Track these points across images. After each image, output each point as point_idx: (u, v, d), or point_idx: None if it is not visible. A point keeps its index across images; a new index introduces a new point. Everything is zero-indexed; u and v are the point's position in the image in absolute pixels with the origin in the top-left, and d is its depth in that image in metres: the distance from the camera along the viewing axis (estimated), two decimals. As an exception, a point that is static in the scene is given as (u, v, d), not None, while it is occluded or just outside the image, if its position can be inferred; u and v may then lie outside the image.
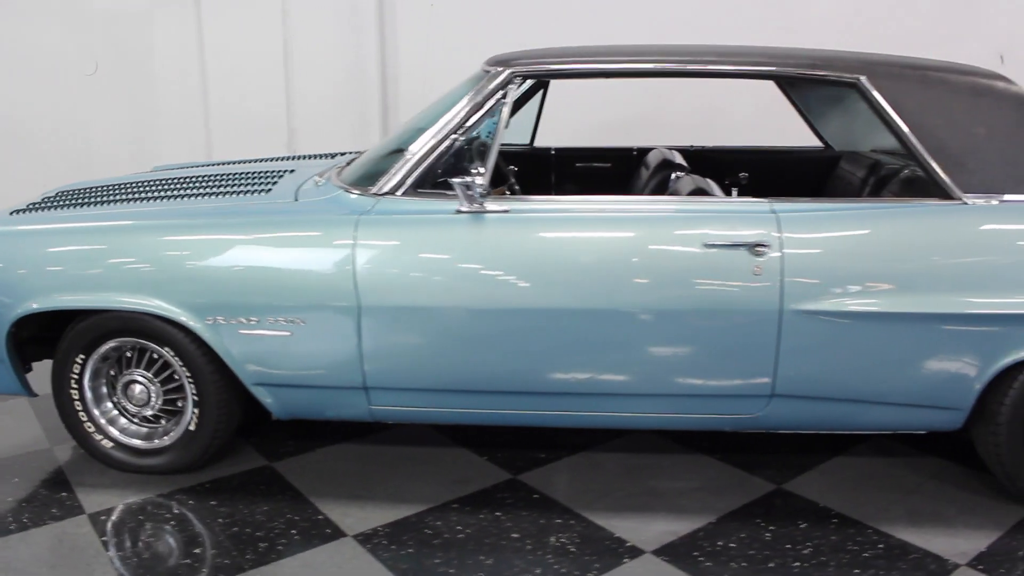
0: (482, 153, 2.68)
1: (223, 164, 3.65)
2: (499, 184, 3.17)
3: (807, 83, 2.94)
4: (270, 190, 2.90)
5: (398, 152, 2.77)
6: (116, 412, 2.88)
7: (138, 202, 2.89)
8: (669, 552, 2.48)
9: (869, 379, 2.57)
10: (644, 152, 3.70)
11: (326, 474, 2.92)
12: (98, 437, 2.85)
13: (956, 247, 2.50)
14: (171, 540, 2.55)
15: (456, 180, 2.53)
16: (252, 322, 2.63)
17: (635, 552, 2.48)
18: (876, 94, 2.56)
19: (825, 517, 2.66)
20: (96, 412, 2.85)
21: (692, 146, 3.81)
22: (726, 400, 2.63)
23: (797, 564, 2.43)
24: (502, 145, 3.81)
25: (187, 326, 2.65)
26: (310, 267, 2.60)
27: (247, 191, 2.90)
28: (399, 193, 2.65)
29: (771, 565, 2.42)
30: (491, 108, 2.64)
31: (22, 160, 5.08)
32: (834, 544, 2.52)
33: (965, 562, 2.43)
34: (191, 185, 3.04)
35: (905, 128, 2.55)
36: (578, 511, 2.69)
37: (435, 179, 2.68)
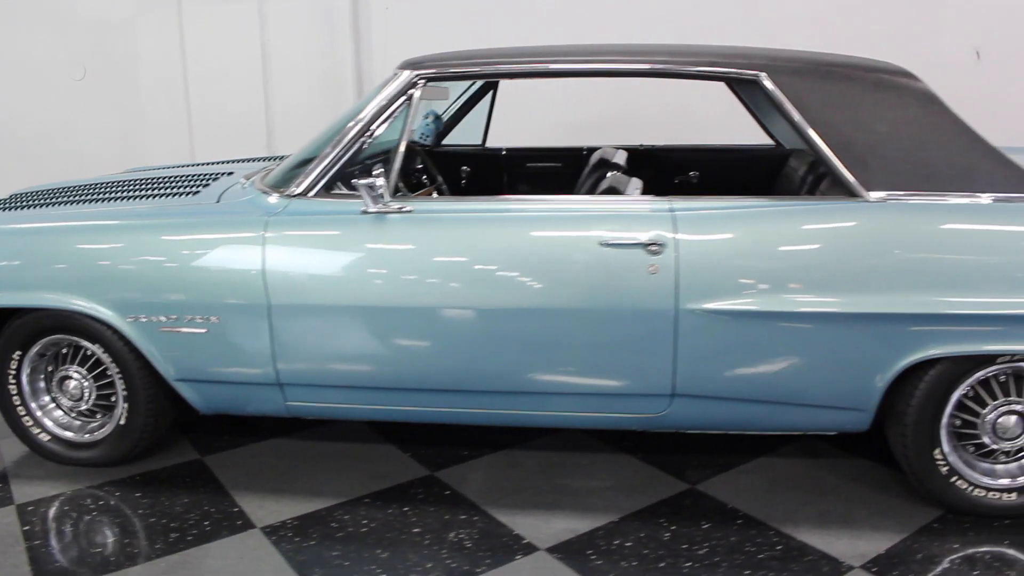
0: (390, 154, 2.73)
1: (184, 166, 3.76)
2: (428, 184, 3.22)
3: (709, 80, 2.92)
4: (199, 192, 2.99)
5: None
6: (53, 406, 3.00)
7: (78, 204, 3.01)
8: (563, 550, 2.50)
9: (769, 379, 2.55)
10: (594, 152, 3.71)
11: (252, 468, 3.01)
12: (36, 431, 2.98)
13: (857, 245, 2.47)
14: (86, 530, 2.65)
15: (359, 181, 2.59)
16: (171, 320, 2.73)
17: (529, 549, 2.51)
18: (776, 91, 2.54)
19: (731, 518, 2.65)
20: (33, 406, 2.98)
21: (642, 145, 3.81)
22: (629, 399, 2.64)
23: (689, 564, 2.43)
24: (455, 146, 3.92)
25: (111, 324, 2.76)
26: (223, 267, 2.68)
27: (178, 193, 3.00)
28: (311, 195, 2.72)
29: (662, 565, 2.43)
30: (397, 110, 2.69)
31: (17, 162, 5.30)
32: (732, 545, 2.52)
33: (860, 564, 2.41)
34: (131, 187, 3.15)
35: (806, 125, 2.53)
36: (484, 508, 2.73)
37: (347, 180, 2.74)
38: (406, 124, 2.68)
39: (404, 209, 2.63)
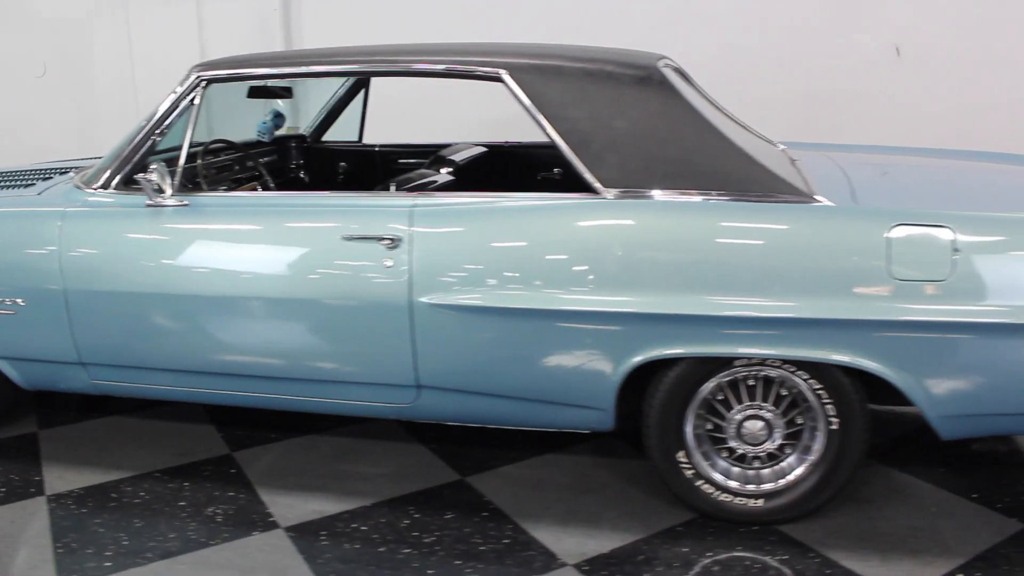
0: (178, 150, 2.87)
1: (68, 161, 3.97)
2: (252, 180, 3.37)
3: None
4: (33, 185, 3.22)
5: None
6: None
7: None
8: (300, 530, 2.61)
9: (504, 375, 2.58)
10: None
11: (75, 442, 3.23)
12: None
13: (587, 242, 2.46)
14: None
15: (141, 176, 2.76)
16: (-15, 303, 2.97)
17: (270, 527, 2.63)
18: (517, 89, 2.57)
19: (478, 510, 2.69)
20: None
21: (507, 142, 3.86)
22: (380, 389, 2.71)
23: (408, 551, 2.49)
24: (333, 143, 4.06)
25: (-59, 304, 3.01)
26: (26, 253, 2.89)
27: (16, 185, 3.23)
28: (110, 188, 2.90)
29: (382, 549, 2.50)
30: (183, 109, 2.84)
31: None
32: (462, 536, 2.56)
33: (573, 562, 2.42)
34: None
35: (545, 123, 2.54)
36: (256, 487, 2.86)
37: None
38: (189, 121, 2.82)
39: (182, 203, 2.78)
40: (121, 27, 5.36)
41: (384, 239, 2.55)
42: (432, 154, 3.90)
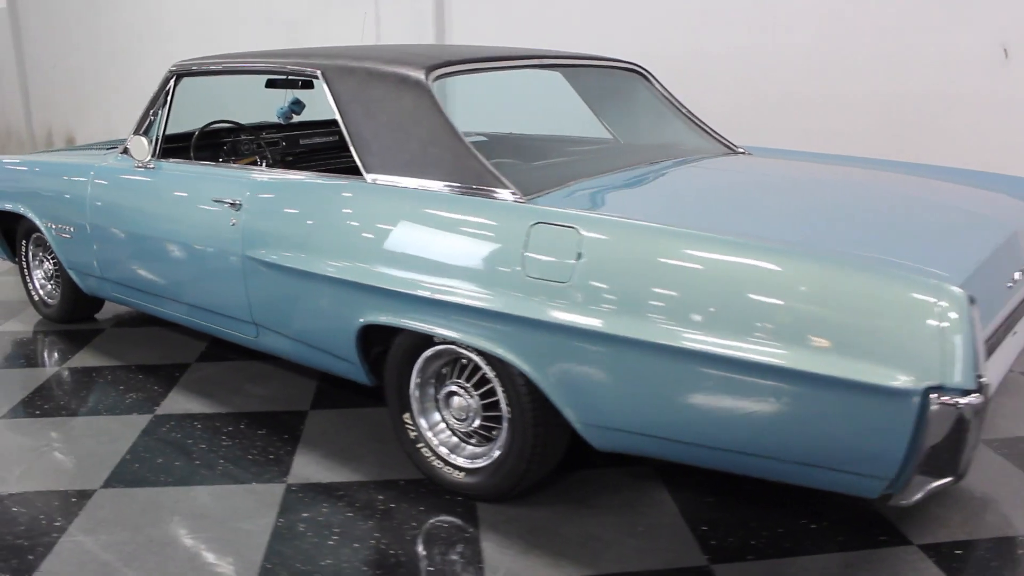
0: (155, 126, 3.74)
1: None
2: (254, 154, 4.14)
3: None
4: (114, 148, 4.30)
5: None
6: (38, 273, 4.68)
7: (57, 153, 4.58)
8: (162, 418, 3.38)
9: (295, 322, 3.07)
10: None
11: (118, 339, 4.36)
12: (32, 289, 4.69)
13: (337, 217, 2.87)
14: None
15: (127, 144, 3.70)
16: (59, 227, 4.16)
17: (148, 412, 3.44)
18: (326, 87, 3.02)
19: (285, 434, 3.23)
20: (31, 274, 4.68)
21: (511, 133, 4.18)
22: (235, 322, 3.35)
23: (203, 446, 3.14)
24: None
25: (39, 226, 4.27)
26: (72, 195, 4.01)
27: (103, 149, 4.34)
28: (125, 154, 3.88)
29: (189, 441, 3.18)
30: (164, 98, 3.70)
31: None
32: (251, 445, 3.13)
33: (291, 482, 2.87)
34: (98, 144, 4.62)
35: (337, 115, 2.97)
36: (174, 387, 3.69)
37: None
38: (166, 107, 3.67)
39: (150, 166, 3.66)
40: (328, 25, 6.53)
41: (234, 203, 3.18)
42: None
